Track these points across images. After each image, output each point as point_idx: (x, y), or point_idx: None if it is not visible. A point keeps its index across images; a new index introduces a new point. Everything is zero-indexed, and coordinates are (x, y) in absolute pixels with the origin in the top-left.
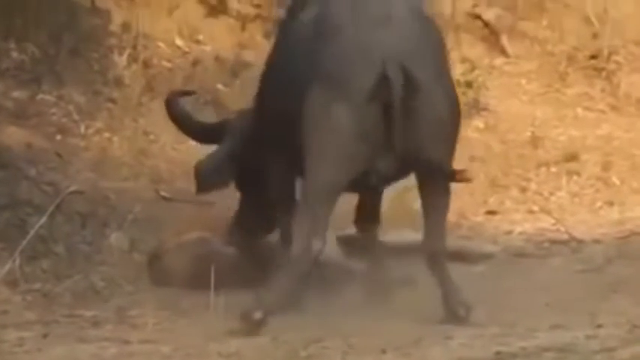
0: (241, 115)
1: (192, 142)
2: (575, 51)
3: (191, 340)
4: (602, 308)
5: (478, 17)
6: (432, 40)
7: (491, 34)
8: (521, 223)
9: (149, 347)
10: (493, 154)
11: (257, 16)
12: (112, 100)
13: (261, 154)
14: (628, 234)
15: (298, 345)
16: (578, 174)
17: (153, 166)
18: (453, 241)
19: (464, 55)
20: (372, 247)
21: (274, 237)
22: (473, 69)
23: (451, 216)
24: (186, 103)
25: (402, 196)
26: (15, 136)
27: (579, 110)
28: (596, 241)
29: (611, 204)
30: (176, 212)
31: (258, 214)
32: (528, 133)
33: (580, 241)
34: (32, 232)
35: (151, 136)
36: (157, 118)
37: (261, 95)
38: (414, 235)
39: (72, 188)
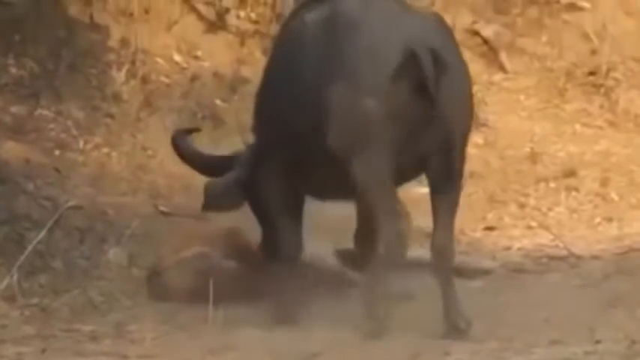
0: (251, 147)
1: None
2: (574, 67)
3: (189, 354)
4: (601, 324)
5: (477, 34)
6: (446, 30)
7: (490, 51)
8: (519, 238)
9: None
10: (492, 169)
11: (256, 32)
12: (111, 116)
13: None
14: (626, 250)
15: (297, 359)
16: (577, 190)
17: (151, 181)
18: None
19: None
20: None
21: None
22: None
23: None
24: (185, 119)
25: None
26: (13, 151)
27: (578, 126)
28: (595, 257)
29: (609, 220)
30: (174, 227)
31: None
32: (527, 149)
33: (578, 257)
34: (30, 247)
35: (149, 152)
36: (155, 134)
37: (264, 105)
38: (414, 251)
39: (70, 203)
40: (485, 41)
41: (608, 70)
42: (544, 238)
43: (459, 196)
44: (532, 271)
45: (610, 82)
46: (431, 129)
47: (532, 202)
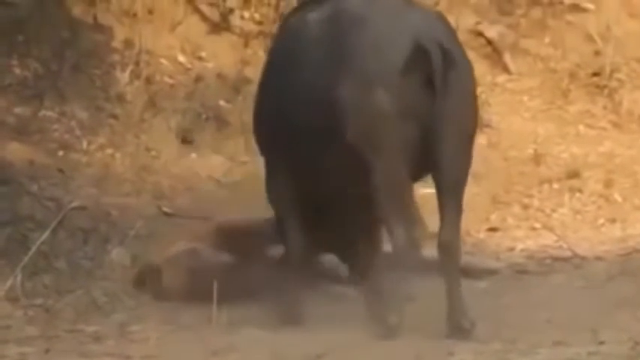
0: None
1: (194, 158)
2: (578, 68)
3: (193, 355)
4: (605, 325)
5: (481, 35)
6: (450, 27)
7: (493, 52)
8: (523, 239)
9: None
10: (495, 170)
11: (260, 33)
12: (115, 116)
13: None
14: (630, 251)
15: None
16: (581, 191)
17: (155, 182)
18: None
19: None
20: (374, 262)
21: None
22: None
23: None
24: (189, 119)
25: None
26: (17, 152)
27: (581, 127)
28: (599, 258)
29: (613, 221)
30: (178, 228)
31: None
32: (530, 150)
33: (582, 258)
34: (34, 248)
35: (153, 153)
36: (159, 135)
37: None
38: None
39: (74, 204)
40: (489, 42)
41: (612, 72)
42: (548, 239)
43: (463, 195)
44: (535, 272)
45: (614, 84)
46: (438, 125)
47: (536, 203)
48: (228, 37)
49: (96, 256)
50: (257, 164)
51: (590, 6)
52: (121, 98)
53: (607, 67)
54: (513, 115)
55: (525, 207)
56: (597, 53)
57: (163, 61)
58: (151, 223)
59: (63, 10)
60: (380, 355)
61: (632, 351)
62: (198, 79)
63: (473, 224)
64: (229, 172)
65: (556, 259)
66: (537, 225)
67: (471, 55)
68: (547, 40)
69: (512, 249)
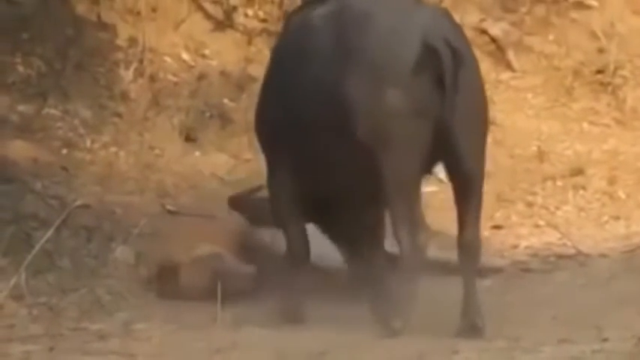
0: None
1: (198, 156)
2: (582, 66)
3: (197, 353)
4: (609, 322)
5: (485, 32)
6: (457, 25)
7: (497, 49)
8: (527, 237)
9: None
10: (499, 168)
11: (263, 31)
12: (118, 115)
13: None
14: (634, 248)
15: (304, 358)
16: (584, 188)
17: (158, 180)
18: None
19: None
20: (380, 260)
21: None
22: None
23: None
24: (192, 117)
25: None
26: (21, 150)
27: (585, 125)
28: (603, 256)
29: (617, 218)
30: (182, 226)
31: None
32: (534, 148)
33: (586, 256)
34: (38, 246)
35: (157, 151)
36: (163, 133)
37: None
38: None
39: (78, 202)
40: (493, 39)
41: (616, 69)
42: (552, 237)
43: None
44: (540, 270)
45: (617, 81)
46: (450, 125)
47: (540, 200)
48: (232, 35)
49: (100, 254)
50: (261, 162)
51: (594, 3)
52: (124, 96)
53: (611, 64)
54: (517, 113)
55: (529, 204)
56: (601, 51)
57: (167, 59)
58: (155, 221)
59: (67, 8)
60: (383, 353)
61: (636, 348)
62: (202, 76)
63: None
64: (233, 170)
65: (560, 256)
66: (541, 222)
67: (475, 52)
68: (551, 37)
69: (516, 246)
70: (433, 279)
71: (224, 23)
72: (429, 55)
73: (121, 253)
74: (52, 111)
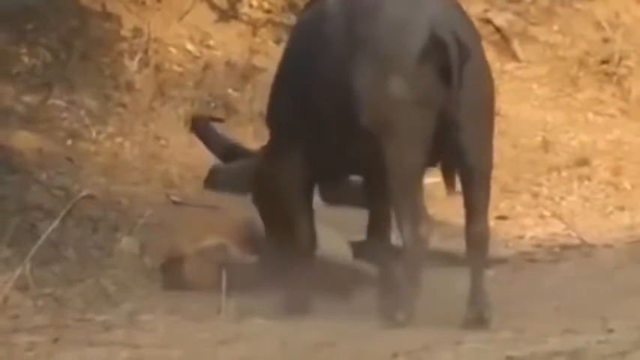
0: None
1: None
2: (586, 56)
3: (202, 344)
4: (614, 313)
5: (489, 22)
6: (466, 15)
7: (502, 39)
8: (532, 227)
9: (160, 352)
10: (504, 158)
11: (268, 21)
12: (123, 105)
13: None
14: (639, 238)
15: (308, 349)
16: (589, 179)
17: (164, 170)
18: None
19: None
20: (384, 252)
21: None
22: None
23: (462, 221)
24: (198, 108)
25: None
26: (26, 140)
27: (590, 115)
28: (607, 246)
29: (622, 209)
30: (187, 217)
31: None
32: (539, 138)
33: (591, 246)
34: (43, 237)
35: (162, 141)
36: (168, 123)
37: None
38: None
39: (83, 193)
40: (498, 30)
41: (621, 59)
42: (556, 227)
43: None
44: (544, 260)
45: (622, 71)
46: (457, 117)
47: (544, 191)
48: (237, 26)
49: (105, 245)
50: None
51: None
52: (129, 87)
53: (616, 54)
54: (522, 103)
55: (534, 195)
56: (606, 40)
57: (172, 49)
58: (160, 211)
59: None
60: (387, 344)
61: None
62: (207, 67)
63: None
64: None
65: (565, 247)
66: (546, 213)
67: None
68: (556, 27)
69: (521, 237)
70: (437, 270)
71: (229, 14)
72: (436, 47)
73: (126, 243)
74: (57, 101)
